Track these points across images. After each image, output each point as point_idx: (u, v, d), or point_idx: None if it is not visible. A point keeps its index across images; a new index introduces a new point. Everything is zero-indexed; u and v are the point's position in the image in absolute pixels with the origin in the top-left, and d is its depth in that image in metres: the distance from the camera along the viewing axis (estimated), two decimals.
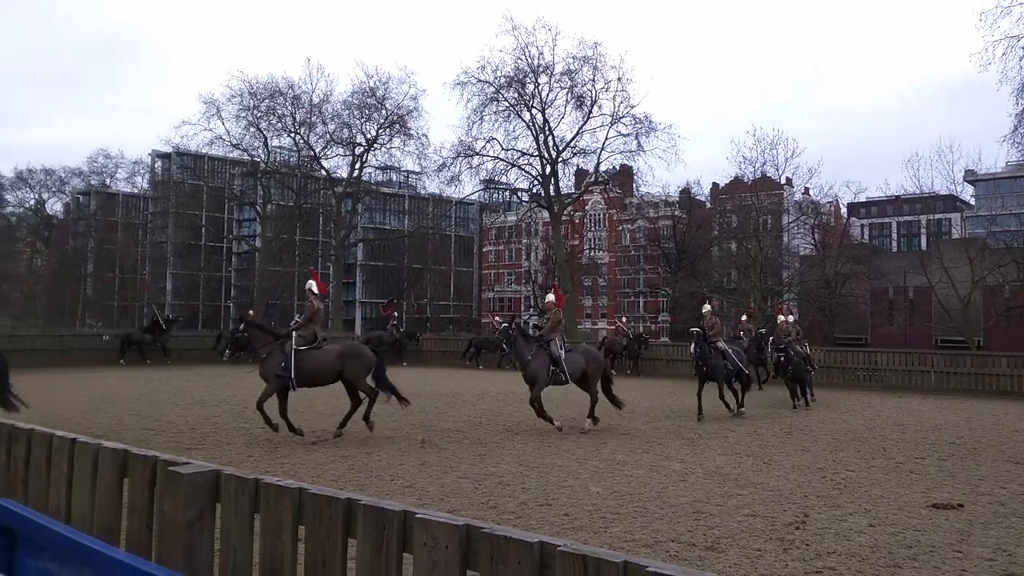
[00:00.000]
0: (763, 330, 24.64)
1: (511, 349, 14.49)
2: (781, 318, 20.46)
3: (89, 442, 3.32)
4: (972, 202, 70.74)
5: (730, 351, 17.12)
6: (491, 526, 2.01)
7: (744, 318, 27.16)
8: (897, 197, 58.91)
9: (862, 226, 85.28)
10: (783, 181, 50.89)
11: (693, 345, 16.74)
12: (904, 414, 17.91)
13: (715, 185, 60.25)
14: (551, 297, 15.54)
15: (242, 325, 13.18)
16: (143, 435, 12.40)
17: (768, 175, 48.51)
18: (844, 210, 64.34)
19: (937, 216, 64.89)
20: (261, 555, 2.58)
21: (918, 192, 47.00)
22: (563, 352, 14.26)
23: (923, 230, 66.99)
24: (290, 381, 12.26)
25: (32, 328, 47.10)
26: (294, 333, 12.64)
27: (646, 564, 1.75)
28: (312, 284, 13.45)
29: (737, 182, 51.49)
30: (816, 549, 6.65)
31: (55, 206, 73.21)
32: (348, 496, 2.35)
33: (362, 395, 12.78)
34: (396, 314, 40.85)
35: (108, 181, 70.56)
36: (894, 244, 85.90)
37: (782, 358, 18.75)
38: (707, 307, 19.00)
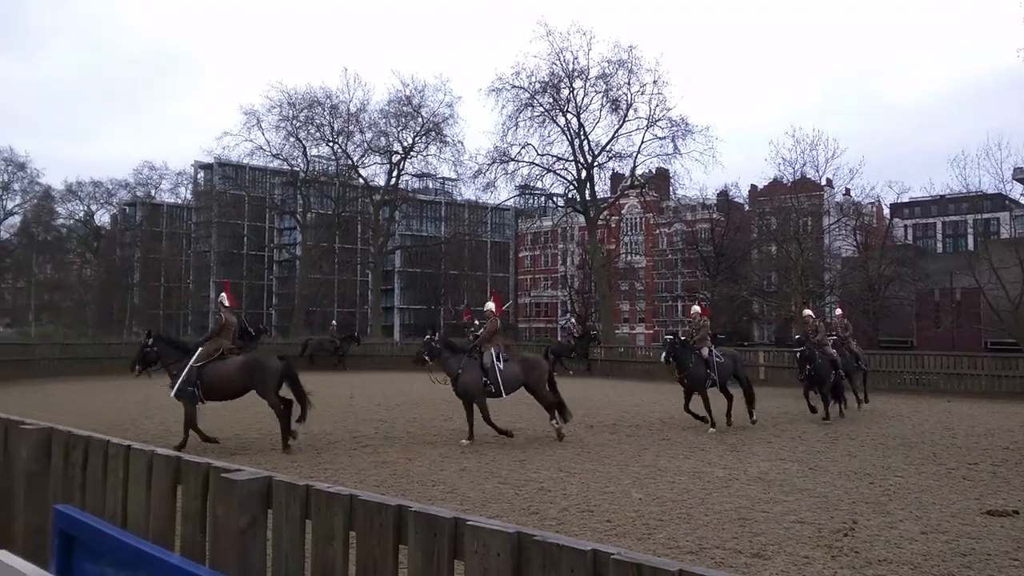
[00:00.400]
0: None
1: (436, 362, 13.58)
2: (807, 312, 18.59)
3: (143, 449, 3.39)
4: (1022, 201, 69.14)
5: (716, 359, 15.33)
6: (543, 534, 2.01)
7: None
8: (942, 197, 57.80)
9: (906, 227, 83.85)
10: (823, 182, 50.12)
11: (664, 354, 15.33)
12: (954, 418, 17.54)
13: (753, 187, 59.54)
14: (490, 305, 14.70)
15: (151, 340, 13.11)
16: (189, 441, 12.58)
17: (808, 176, 47.86)
18: (887, 211, 63.27)
19: (985, 216, 63.37)
20: (313, 561, 2.61)
21: (965, 191, 45.98)
22: (500, 364, 13.34)
23: (970, 230, 65.63)
24: (197, 395, 12.26)
25: (82, 336, 48.04)
26: (200, 348, 12.68)
27: (702, 573, 1.74)
28: (223, 297, 13.46)
29: (776, 184, 50.83)
30: (866, 557, 6.54)
31: (103, 217, 74.73)
32: (399, 503, 2.37)
33: (275, 404, 12.37)
34: (476, 322, 40.31)
35: (153, 192, 71.75)
36: (939, 245, 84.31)
37: (800, 353, 16.64)
38: (695, 308, 17.17)
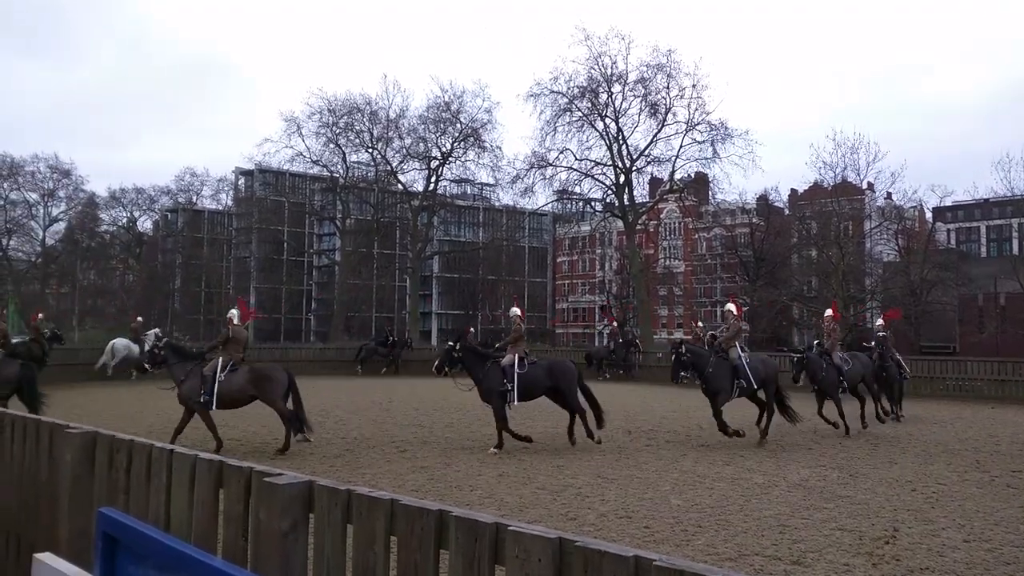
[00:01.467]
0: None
1: (166, 367, 13.08)
2: (729, 306, 15.40)
3: (187, 453, 3.44)
4: None
5: (516, 369, 13.11)
6: (584, 539, 2.00)
7: (880, 322, 20.34)
8: (986, 200, 56.66)
9: (949, 231, 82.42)
10: (864, 186, 49.43)
11: (438, 362, 13.23)
12: (998, 426, 17.18)
13: (793, 191, 58.91)
14: (233, 311, 13.59)
15: None
16: (229, 445, 12.74)
17: (849, 180, 47.24)
18: (929, 215, 62.19)
19: None
20: (354, 565, 2.63)
21: (1009, 195, 45.07)
22: (222, 375, 12.51)
23: (1015, 234, 64.34)
24: None
25: None
26: None
27: None
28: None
29: (816, 188, 50.22)
30: (908, 565, 6.44)
31: (145, 224, 75.97)
32: (440, 507, 2.38)
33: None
34: (616, 324, 38.37)
35: (194, 199, 72.82)
36: (983, 249, 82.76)
37: (675, 354, 14.01)
38: (514, 310, 14.89)
